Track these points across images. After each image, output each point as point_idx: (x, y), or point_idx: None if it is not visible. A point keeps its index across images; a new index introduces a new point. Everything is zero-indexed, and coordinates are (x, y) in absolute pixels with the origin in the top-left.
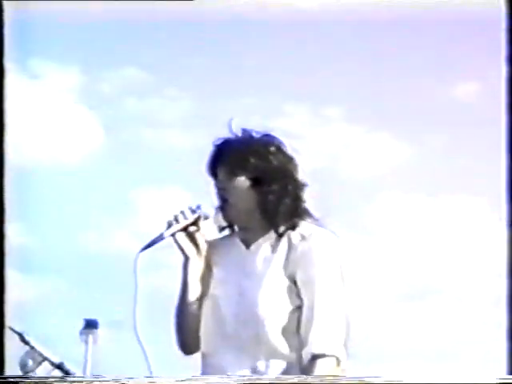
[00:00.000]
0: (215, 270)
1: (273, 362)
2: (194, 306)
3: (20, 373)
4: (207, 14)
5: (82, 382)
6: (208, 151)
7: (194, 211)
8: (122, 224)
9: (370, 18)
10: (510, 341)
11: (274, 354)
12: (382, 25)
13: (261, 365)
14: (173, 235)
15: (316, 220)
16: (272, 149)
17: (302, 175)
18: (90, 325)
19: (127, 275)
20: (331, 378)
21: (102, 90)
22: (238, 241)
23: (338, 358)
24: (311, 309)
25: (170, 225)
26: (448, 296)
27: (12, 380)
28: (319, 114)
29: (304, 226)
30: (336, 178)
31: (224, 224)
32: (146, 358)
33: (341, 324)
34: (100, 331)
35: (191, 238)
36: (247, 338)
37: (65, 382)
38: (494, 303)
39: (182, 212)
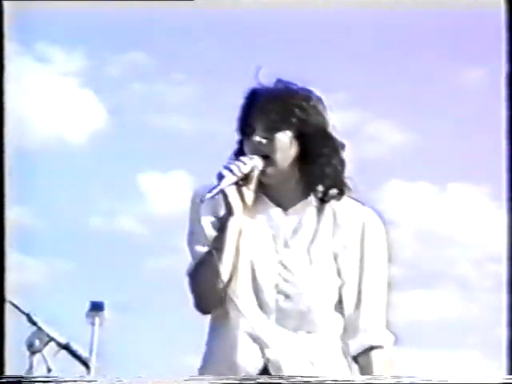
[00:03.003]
0: (246, 230)
1: (312, 337)
2: (228, 266)
3: (27, 351)
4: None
5: (82, 381)
6: (214, 136)
7: (245, 163)
8: (128, 207)
9: (375, 7)
10: (510, 333)
11: (314, 330)
12: (387, 13)
13: (301, 339)
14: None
15: (353, 189)
16: (312, 103)
17: (337, 134)
18: (96, 307)
19: (133, 258)
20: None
21: (108, 73)
22: (266, 200)
23: (389, 347)
24: (359, 294)
25: (221, 176)
26: (451, 284)
27: (12, 380)
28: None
29: (348, 201)
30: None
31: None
32: None
33: (386, 309)
34: (106, 313)
35: (240, 192)
36: (289, 311)
37: (65, 381)
38: (496, 291)
39: (236, 163)
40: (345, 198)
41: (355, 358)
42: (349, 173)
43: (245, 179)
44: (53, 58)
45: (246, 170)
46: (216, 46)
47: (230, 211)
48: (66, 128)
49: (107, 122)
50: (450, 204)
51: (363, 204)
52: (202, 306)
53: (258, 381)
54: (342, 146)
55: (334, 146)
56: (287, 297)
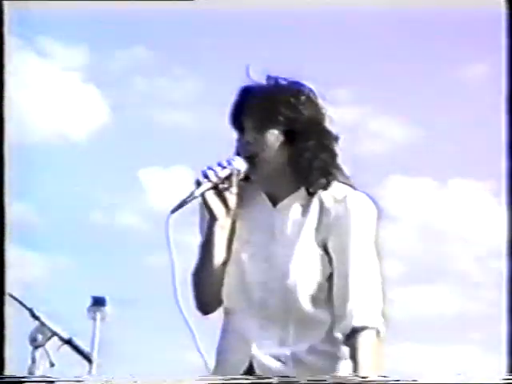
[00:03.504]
0: (238, 227)
1: (302, 333)
2: (218, 268)
3: (30, 346)
4: None
5: (82, 381)
6: (215, 131)
7: (224, 167)
8: (129, 202)
9: (376, 3)
10: (510, 329)
11: (303, 324)
12: (388, 9)
13: (289, 336)
14: (202, 194)
15: (347, 178)
16: (302, 98)
17: (332, 126)
18: (98, 302)
19: (135, 253)
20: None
21: (110, 69)
22: (261, 195)
23: (378, 330)
24: (346, 278)
25: (198, 183)
26: (451, 279)
27: (12, 380)
28: (326, 97)
29: (337, 186)
30: (342, 160)
31: (242, 176)
32: (190, 329)
33: (377, 294)
34: (108, 308)
35: (221, 196)
36: (275, 307)
37: (65, 381)
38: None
39: (212, 168)
40: (334, 184)
41: (344, 342)
42: (350, 169)
43: (226, 183)
44: (55, 54)
45: (224, 174)
46: (218, 41)
47: (212, 216)
48: (68, 123)
49: (109, 117)
50: (452, 200)
51: (354, 187)
52: (200, 307)
53: (258, 381)
54: (336, 139)
55: (323, 139)
56: (274, 293)
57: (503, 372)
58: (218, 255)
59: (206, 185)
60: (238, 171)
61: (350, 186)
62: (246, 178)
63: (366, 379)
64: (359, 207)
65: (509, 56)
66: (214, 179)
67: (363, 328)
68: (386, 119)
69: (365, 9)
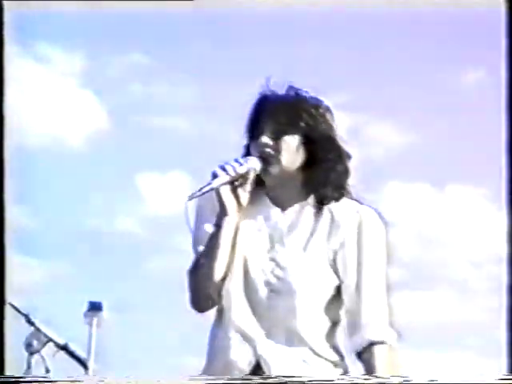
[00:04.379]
0: (244, 228)
1: (306, 335)
2: (222, 265)
3: (25, 352)
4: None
5: (82, 381)
6: (212, 136)
7: (241, 164)
8: (126, 208)
9: (374, 8)
10: (510, 335)
11: (308, 329)
12: (385, 14)
13: (294, 338)
14: (217, 187)
15: (354, 195)
16: (321, 111)
17: (346, 146)
18: (95, 307)
19: (131, 258)
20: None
21: (108, 74)
22: (266, 200)
23: (392, 342)
24: (358, 291)
25: (215, 175)
26: (450, 285)
27: (12, 380)
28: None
29: (346, 201)
30: None
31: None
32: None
33: (387, 307)
34: (104, 313)
35: (234, 192)
36: (281, 309)
37: (65, 381)
38: (495, 292)
39: (231, 164)
40: (343, 199)
41: (359, 355)
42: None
43: (241, 180)
44: (53, 59)
45: (241, 170)
46: (215, 47)
47: (223, 211)
48: (66, 128)
49: (107, 122)
50: (449, 205)
51: (361, 203)
52: (197, 304)
53: (258, 381)
54: (348, 156)
55: (340, 154)
56: (279, 294)
57: (502, 367)
58: (223, 251)
59: (224, 177)
60: (254, 170)
61: (358, 201)
62: (257, 183)
63: (369, 379)
64: (371, 222)
65: (509, 59)
66: (232, 173)
67: (381, 342)
68: (384, 125)
69: (362, 13)
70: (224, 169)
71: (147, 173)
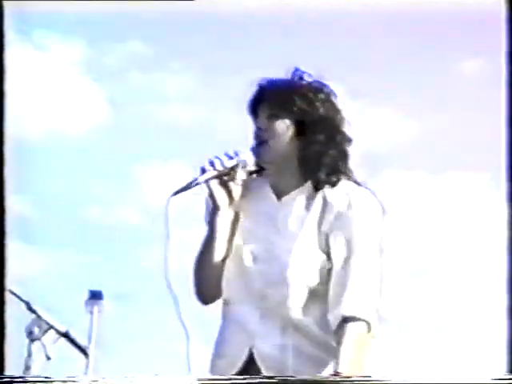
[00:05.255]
0: (242, 218)
1: (301, 324)
2: (219, 258)
3: (26, 339)
4: None
5: (82, 381)
6: (212, 125)
7: (231, 157)
8: (126, 197)
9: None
10: (510, 335)
11: (303, 316)
12: (386, 3)
13: (289, 327)
14: (206, 181)
15: (355, 180)
16: (321, 96)
17: (348, 129)
18: (95, 296)
19: (131, 248)
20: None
21: (107, 63)
22: (267, 188)
23: (369, 324)
24: (344, 271)
25: (203, 170)
26: (449, 276)
27: (12, 380)
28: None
29: (343, 184)
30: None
31: (254, 168)
32: (178, 309)
33: (375, 290)
34: (105, 302)
35: (225, 186)
36: (275, 298)
37: (66, 381)
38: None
39: (219, 158)
40: (340, 182)
41: (334, 332)
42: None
43: (232, 174)
44: (52, 48)
45: (230, 164)
46: (214, 35)
47: (215, 206)
48: (66, 117)
49: (106, 111)
50: (448, 193)
51: (359, 184)
52: (201, 297)
53: (260, 380)
54: (349, 140)
55: (335, 138)
56: (273, 283)
57: (501, 367)
58: (220, 246)
59: (211, 172)
60: (245, 163)
61: (356, 182)
62: (255, 172)
63: (369, 379)
64: (362, 203)
65: (509, 51)
66: (220, 168)
67: (353, 318)
68: (382, 112)
69: (363, 3)
70: (212, 163)
71: (147, 162)
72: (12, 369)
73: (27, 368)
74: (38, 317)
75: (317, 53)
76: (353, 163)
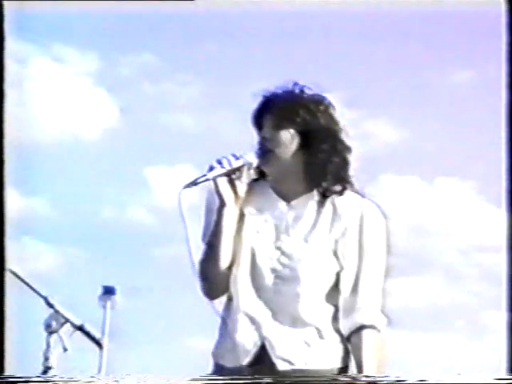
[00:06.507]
0: (249, 218)
1: (310, 319)
2: (226, 254)
3: (44, 332)
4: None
5: (81, 381)
6: (217, 131)
7: (237, 158)
8: (137, 198)
9: (368, 8)
10: (509, 336)
11: (311, 314)
12: (382, 13)
13: (298, 322)
14: (214, 179)
15: (357, 188)
16: (322, 107)
17: (347, 139)
18: (108, 291)
19: (142, 246)
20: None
21: (120, 74)
22: (272, 193)
23: (380, 329)
24: (357, 278)
25: (211, 168)
26: (449, 276)
27: (12, 380)
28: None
29: (349, 194)
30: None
31: (256, 176)
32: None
33: (382, 295)
34: (117, 297)
35: (232, 184)
36: (286, 294)
37: (68, 381)
38: (480, 278)
39: (227, 157)
40: (346, 192)
41: (348, 338)
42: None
43: (238, 173)
44: (69, 60)
45: (236, 164)
46: (220, 48)
47: (222, 202)
48: (81, 124)
49: (118, 119)
50: (438, 197)
51: (364, 196)
52: (207, 292)
53: (259, 381)
54: (349, 149)
55: (335, 145)
56: (284, 280)
57: (502, 367)
58: (226, 241)
59: (219, 170)
60: (250, 164)
61: (361, 194)
62: (261, 176)
63: (371, 378)
64: (372, 215)
65: (509, 56)
66: (227, 167)
67: (370, 326)
68: (378, 121)
69: (359, 12)
70: (220, 162)
71: (156, 166)
72: (12, 369)
73: (46, 359)
74: (56, 311)
75: (316, 65)
76: (351, 169)
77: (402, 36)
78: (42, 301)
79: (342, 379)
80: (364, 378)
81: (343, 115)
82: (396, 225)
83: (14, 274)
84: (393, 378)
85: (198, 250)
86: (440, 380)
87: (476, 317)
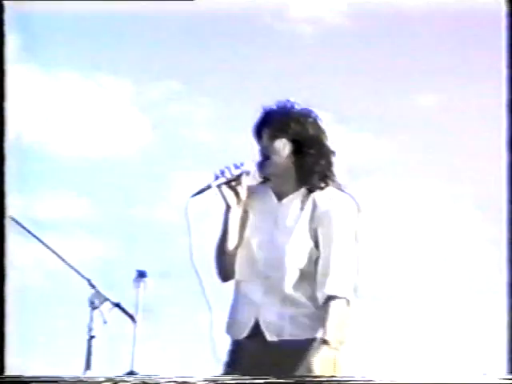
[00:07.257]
0: (251, 216)
1: (296, 298)
2: (232, 246)
3: (89, 307)
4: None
5: (81, 381)
6: (230, 145)
7: (237, 167)
8: (164, 198)
9: (359, 18)
10: (510, 339)
11: (296, 292)
12: (375, 24)
13: (287, 301)
14: (218, 186)
15: (338, 183)
16: (310, 119)
17: (331, 145)
18: (141, 275)
19: (169, 238)
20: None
21: (150, 97)
22: (271, 192)
23: (348, 300)
24: (328, 258)
25: (216, 177)
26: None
27: (12, 380)
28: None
29: (329, 189)
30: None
31: (261, 179)
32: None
33: (352, 273)
34: (148, 280)
35: (234, 189)
36: (275, 278)
37: (66, 381)
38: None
39: (228, 167)
40: (328, 188)
41: (322, 308)
42: (338, 176)
43: (239, 180)
44: (108, 86)
45: (236, 172)
46: (231, 76)
47: (227, 205)
48: (120, 140)
49: (150, 135)
50: (432, 207)
51: (342, 191)
52: (220, 274)
53: (269, 380)
54: (333, 153)
55: (322, 151)
56: (274, 267)
57: (502, 367)
58: (232, 237)
59: (221, 179)
60: (248, 171)
61: (339, 189)
62: (265, 180)
63: (370, 379)
64: (342, 204)
65: (509, 64)
66: (228, 175)
67: (335, 297)
68: (365, 136)
69: (348, 28)
70: (222, 172)
71: (180, 171)
72: (12, 369)
73: (90, 330)
74: (97, 291)
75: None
76: (339, 173)
77: (399, 37)
78: (85, 282)
79: (342, 379)
80: (364, 379)
81: (328, 126)
82: (390, 232)
83: (63, 259)
84: (392, 380)
85: (198, 250)
86: (440, 380)
87: (476, 316)
